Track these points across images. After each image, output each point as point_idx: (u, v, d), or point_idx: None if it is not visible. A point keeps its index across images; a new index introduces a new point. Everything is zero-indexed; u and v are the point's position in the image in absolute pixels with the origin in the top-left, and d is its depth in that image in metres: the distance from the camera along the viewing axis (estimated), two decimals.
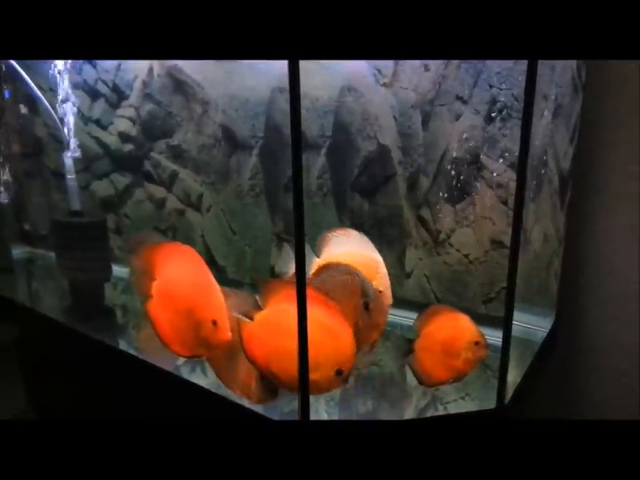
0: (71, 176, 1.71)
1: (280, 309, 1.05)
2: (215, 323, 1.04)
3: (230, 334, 1.05)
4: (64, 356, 1.64)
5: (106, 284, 1.79)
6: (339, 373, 0.99)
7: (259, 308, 1.08)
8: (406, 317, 1.51)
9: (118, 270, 1.77)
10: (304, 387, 0.97)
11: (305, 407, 0.98)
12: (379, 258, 1.26)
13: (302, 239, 0.93)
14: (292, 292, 0.97)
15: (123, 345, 1.57)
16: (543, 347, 1.36)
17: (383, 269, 1.25)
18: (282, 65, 1.54)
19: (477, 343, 1.11)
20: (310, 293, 0.96)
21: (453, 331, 1.15)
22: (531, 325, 1.42)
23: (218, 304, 1.07)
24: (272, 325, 1.05)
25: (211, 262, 1.12)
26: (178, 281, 1.09)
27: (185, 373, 1.30)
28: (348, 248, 1.27)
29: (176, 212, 1.89)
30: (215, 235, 1.83)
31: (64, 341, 1.60)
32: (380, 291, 1.20)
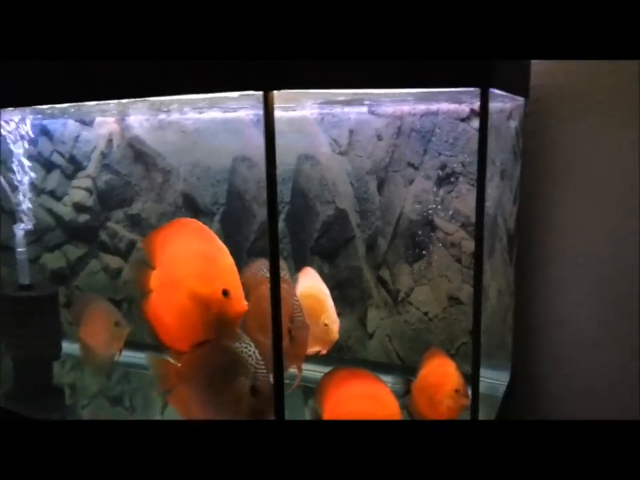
0: (21, 249, 1.65)
1: (347, 408, 1.04)
2: (226, 293, 0.86)
3: (246, 304, 0.87)
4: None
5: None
6: None
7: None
8: None
9: (67, 346, 1.69)
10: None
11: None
12: (326, 291, 1.31)
13: (278, 305, 0.87)
14: (350, 390, 1.03)
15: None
16: (504, 400, 1.39)
17: (330, 302, 1.30)
18: (242, 136, 1.60)
19: (456, 391, 1.13)
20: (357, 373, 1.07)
21: (439, 377, 1.18)
22: (491, 379, 1.46)
23: (228, 270, 0.88)
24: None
25: None
26: (179, 259, 0.90)
27: None
28: (305, 283, 1.32)
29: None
30: None
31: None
32: (326, 324, 1.26)
